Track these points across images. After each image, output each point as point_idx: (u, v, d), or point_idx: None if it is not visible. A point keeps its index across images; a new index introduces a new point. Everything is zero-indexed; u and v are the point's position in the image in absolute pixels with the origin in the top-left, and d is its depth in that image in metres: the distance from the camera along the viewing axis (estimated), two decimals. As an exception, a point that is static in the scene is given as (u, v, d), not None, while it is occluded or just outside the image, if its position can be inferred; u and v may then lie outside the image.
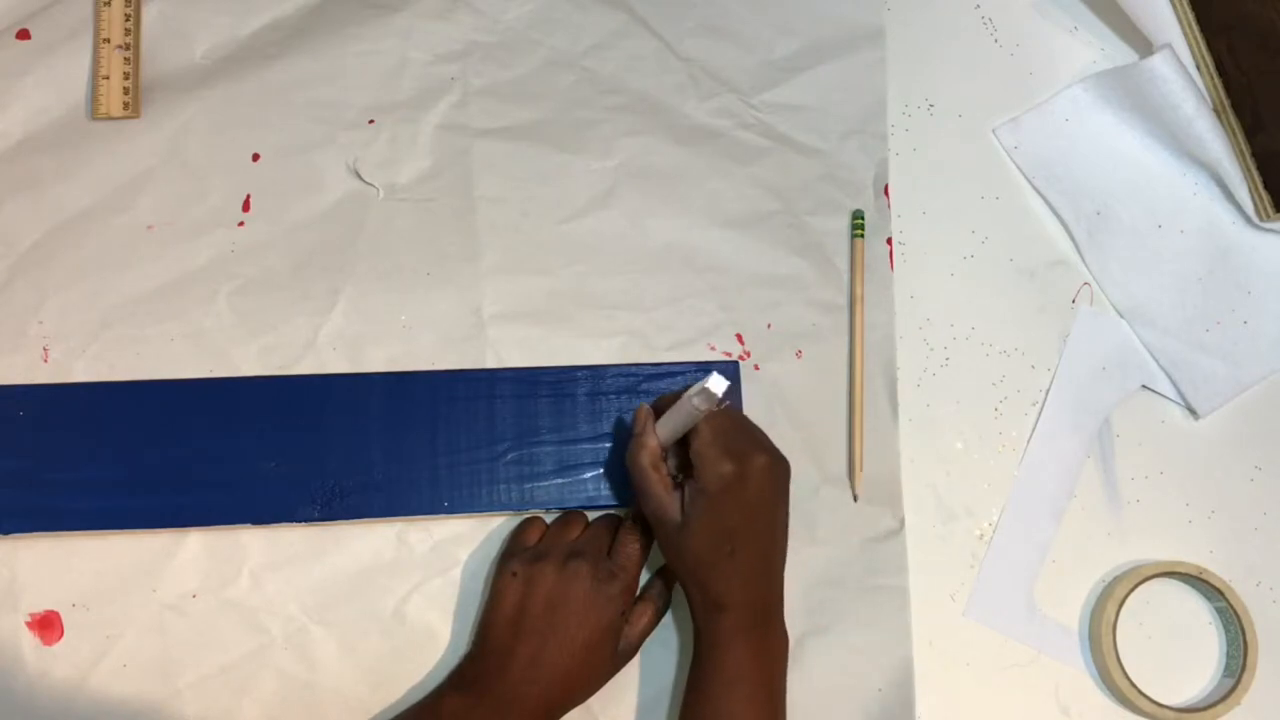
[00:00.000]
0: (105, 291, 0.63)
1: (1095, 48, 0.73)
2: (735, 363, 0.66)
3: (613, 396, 0.64)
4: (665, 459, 0.58)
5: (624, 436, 0.63)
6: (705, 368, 0.65)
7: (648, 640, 0.61)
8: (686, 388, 0.55)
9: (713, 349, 0.66)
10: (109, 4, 0.66)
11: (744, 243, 0.68)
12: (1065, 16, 0.73)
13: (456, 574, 0.62)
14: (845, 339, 0.67)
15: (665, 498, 0.57)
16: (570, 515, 0.62)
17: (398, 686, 0.61)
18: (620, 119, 0.69)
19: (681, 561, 0.57)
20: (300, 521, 0.61)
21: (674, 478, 0.58)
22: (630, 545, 0.59)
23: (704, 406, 0.53)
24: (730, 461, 0.55)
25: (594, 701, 0.59)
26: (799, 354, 0.67)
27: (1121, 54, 0.73)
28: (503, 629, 0.57)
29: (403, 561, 0.62)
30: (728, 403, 0.54)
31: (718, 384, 0.52)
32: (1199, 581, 0.65)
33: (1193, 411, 0.69)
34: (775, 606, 0.58)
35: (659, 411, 0.58)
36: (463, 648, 0.61)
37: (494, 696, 0.56)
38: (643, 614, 0.60)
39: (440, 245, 0.66)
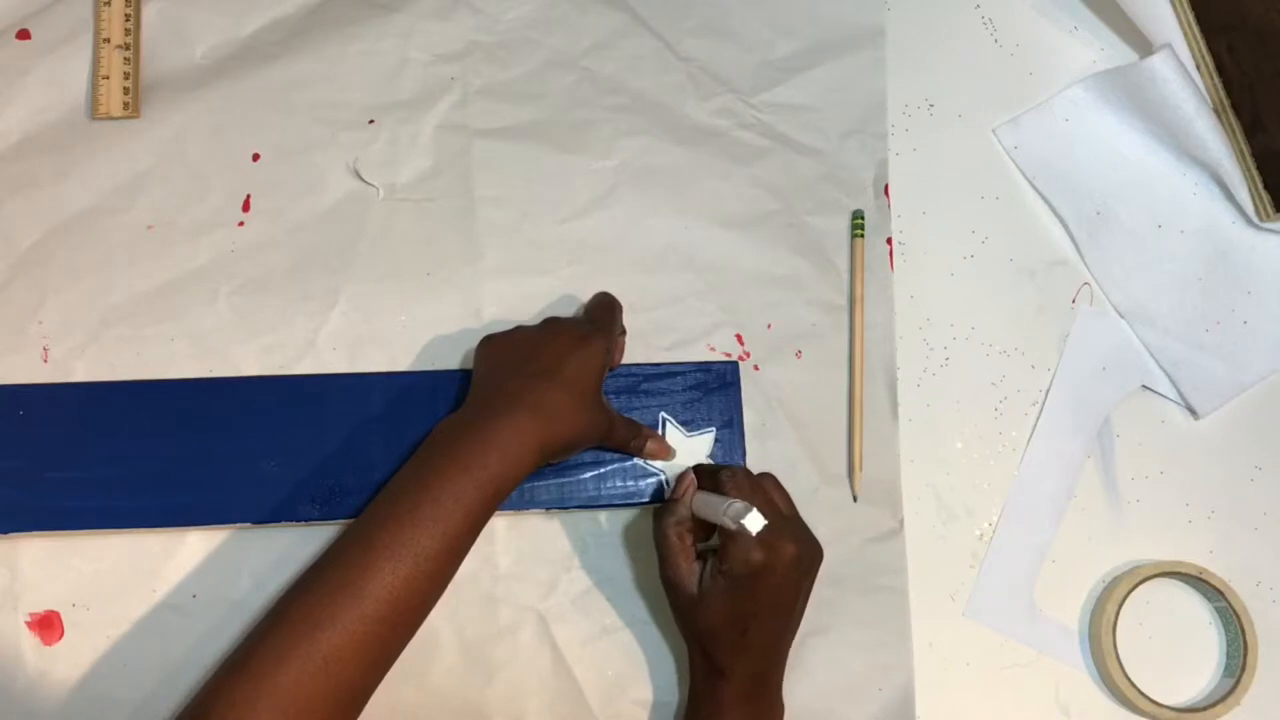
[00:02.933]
0: (105, 291, 0.63)
1: (1095, 48, 0.73)
2: (735, 363, 0.66)
3: (612, 396, 0.64)
4: (690, 529, 0.58)
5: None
6: (705, 368, 0.65)
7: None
8: (729, 472, 0.57)
9: (713, 349, 0.66)
10: (109, 4, 0.66)
11: (744, 243, 0.68)
12: (1065, 16, 0.73)
13: (456, 574, 0.62)
14: (845, 339, 0.67)
15: (685, 568, 0.57)
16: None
17: (398, 686, 0.61)
18: (620, 119, 0.69)
19: (690, 629, 0.58)
20: (300, 521, 0.61)
21: (696, 547, 0.58)
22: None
23: (730, 523, 0.53)
24: (760, 550, 0.54)
25: None
26: (799, 354, 0.67)
27: (1121, 54, 0.73)
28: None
29: (403, 561, 0.62)
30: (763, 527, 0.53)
31: (755, 523, 0.52)
32: (1199, 581, 0.65)
33: (1193, 411, 0.69)
34: (776, 678, 0.58)
35: (700, 477, 0.59)
36: (463, 647, 0.61)
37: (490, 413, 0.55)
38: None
39: (440, 245, 0.66)
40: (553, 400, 0.55)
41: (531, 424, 0.54)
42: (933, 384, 0.68)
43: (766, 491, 0.58)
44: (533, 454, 0.54)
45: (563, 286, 0.66)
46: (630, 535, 0.64)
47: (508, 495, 0.54)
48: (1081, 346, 0.69)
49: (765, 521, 0.52)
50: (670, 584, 0.57)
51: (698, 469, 0.60)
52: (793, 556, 0.55)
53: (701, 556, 0.57)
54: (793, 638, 0.58)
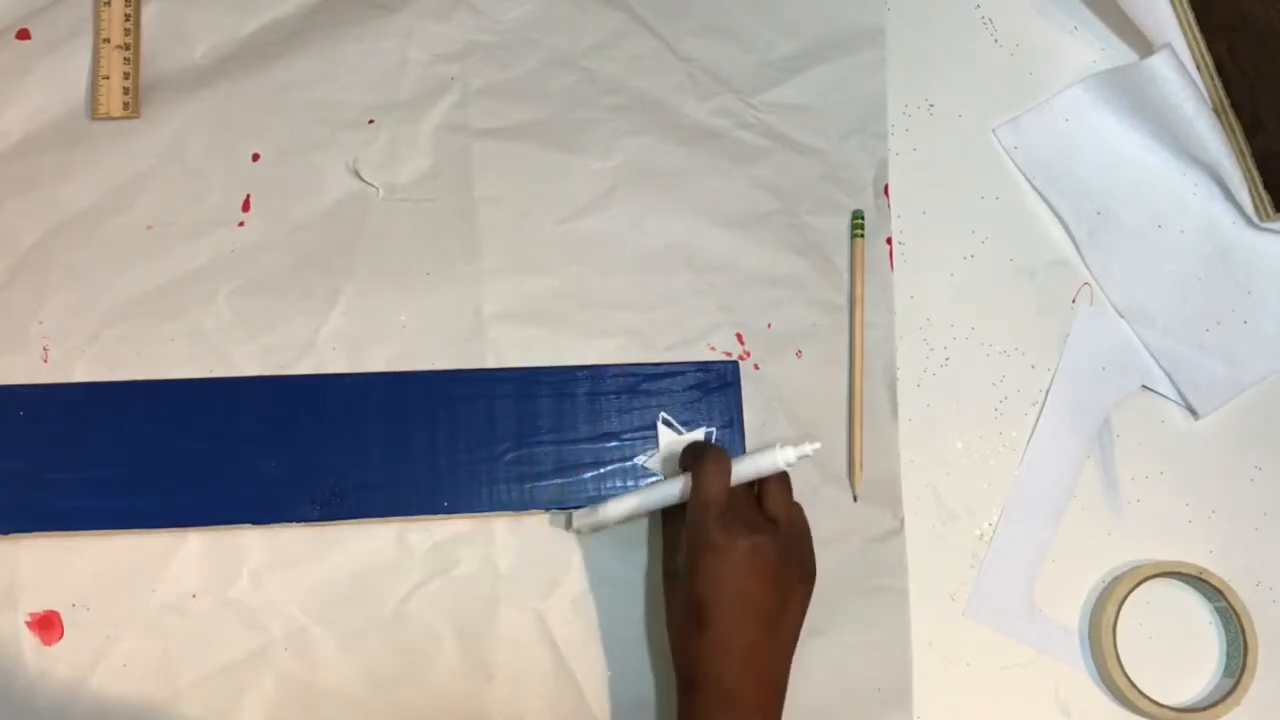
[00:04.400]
0: (105, 291, 0.63)
1: (1095, 48, 0.73)
2: (735, 363, 0.66)
3: (613, 396, 0.64)
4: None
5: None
6: (705, 368, 0.65)
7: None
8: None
9: (713, 349, 0.66)
10: (109, 4, 0.66)
11: (744, 243, 0.68)
12: (1065, 16, 0.73)
13: (456, 574, 0.62)
14: (845, 339, 0.67)
15: (668, 550, 0.58)
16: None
17: (398, 686, 0.61)
18: (620, 119, 0.69)
19: (667, 622, 0.57)
20: (300, 521, 0.61)
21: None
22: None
23: (784, 462, 0.56)
24: (720, 532, 0.53)
25: None
26: (799, 354, 0.67)
27: (1121, 54, 0.73)
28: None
29: (403, 561, 0.62)
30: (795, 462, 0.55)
31: (787, 454, 0.56)
32: (1199, 581, 0.65)
33: (1193, 411, 0.69)
34: (757, 699, 0.53)
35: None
36: (463, 647, 0.61)
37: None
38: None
39: (440, 245, 0.66)
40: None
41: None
42: (933, 384, 0.68)
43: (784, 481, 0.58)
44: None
45: (563, 286, 0.66)
46: (631, 535, 0.64)
47: None
48: (1081, 346, 0.69)
49: (806, 451, 0.53)
50: (667, 577, 0.58)
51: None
52: (754, 545, 0.53)
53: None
54: (780, 656, 0.55)
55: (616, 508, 0.60)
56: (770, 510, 0.58)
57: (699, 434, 0.64)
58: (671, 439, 0.63)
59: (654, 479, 0.62)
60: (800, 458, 0.58)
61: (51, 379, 0.62)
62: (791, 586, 0.56)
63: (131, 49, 0.66)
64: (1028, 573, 0.66)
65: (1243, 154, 0.69)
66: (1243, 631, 0.64)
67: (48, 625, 0.60)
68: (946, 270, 0.70)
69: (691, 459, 0.58)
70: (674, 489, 0.59)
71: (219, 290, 0.64)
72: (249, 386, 0.62)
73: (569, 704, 0.62)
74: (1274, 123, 0.69)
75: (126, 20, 0.66)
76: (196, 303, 0.64)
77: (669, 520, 0.61)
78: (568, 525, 0.62)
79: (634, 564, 0.63)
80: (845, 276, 0.68)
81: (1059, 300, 0.70)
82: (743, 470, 0.58)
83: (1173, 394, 0.69)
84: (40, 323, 0.63)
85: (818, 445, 0.57)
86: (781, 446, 0.58)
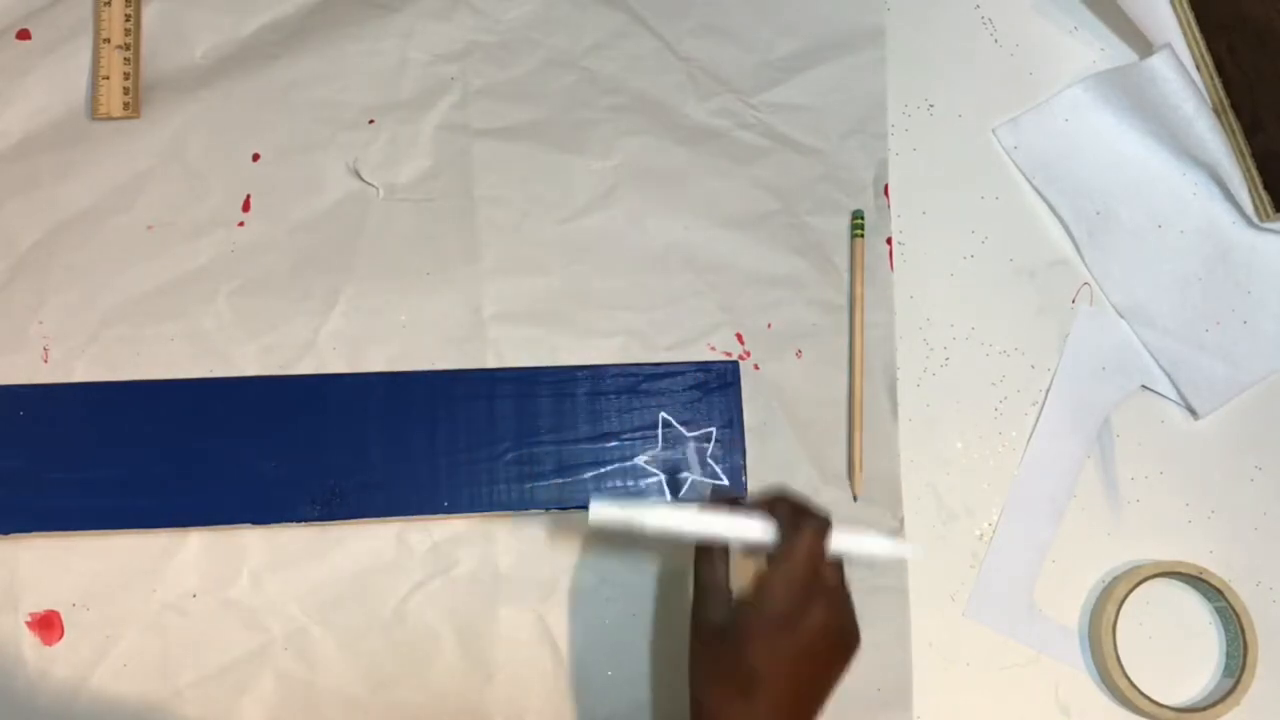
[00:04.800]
0: (105, 291, 0.64)
1: (1095, 48, 0.73)
2: (735, 363, 0.66)
3: (613, 396, 0.64)
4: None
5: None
6: (705, 368, 0.65)
7: None
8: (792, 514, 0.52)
9: (713, 349, 0.66)
10: (109, 4, 0.66)
11: (744, 243, 0.68)
12: (1065, 16, 0.73)
13: (456, 574, 0.62)
14: (845, 339, 0.67)
15: (718, 597, 0.51)
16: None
17: (398, 686, 0.61)
18: (620, 119, 0.69)
19: (695, 670, 0.51)
20: (300, 521, 0.61)
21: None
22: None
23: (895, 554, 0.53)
24: (798, 607, 0.49)
25: None
26: (799, 354, 0.67)
27: (1121, 54, 0.73)
28: None
29: (403, 561, 0.62)
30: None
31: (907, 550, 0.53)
32: (1199, 581, 0.65)
33: (1193, 411, 0.69)
34: None
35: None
36: (463, 647, 0.61)
37: None
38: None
39: (440, 245, 0.66)
40: None
41: None
42: (933, 384, 0.68)
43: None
44: None
45: (563, 286, 0.66)
46: (630, 535, 0.64)
47: None
48: (1081, 346, 0.69)
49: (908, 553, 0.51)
50: (695, 619, 0.52)
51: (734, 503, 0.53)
52: (825, 624, 0.50)
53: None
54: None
55: (654, 519, 0.52)
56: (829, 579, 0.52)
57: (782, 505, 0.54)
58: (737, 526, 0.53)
59: (711, 512, 0.53)
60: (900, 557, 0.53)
61: (51, 379, 0.62)
62: (844, 663, 0.52)
63: (131, 49, 0.66)
64: (1028, 573, 0.66)
65: (1243, 154, 0.69)
66: (1243, 631, 0.64)
67: (48, 625, 0.60)
68: (946, 270, 0.70)
69: (790, 515, 0.52)
70: (738, 531, 0.52)
71: (219, 290, 0.64)
72: (249, 386, 0.62)
73: (569, 704, 0.62)
74: (1274, 123, 0.69)
75: (126, 20, 0.66)
76: (196, 303, 0.64)
77: (707, 562, 0.53)
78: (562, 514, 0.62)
79: (634, 565, 0.63)
80: (845, 276, 0.68)
81: (1059, 300, 0.70)
82: (841, 544, 0.52)
83: (1173, 394, 0.69)
84: (40, 323, 0.63)
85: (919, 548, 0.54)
86: (896, 540, 0.53)
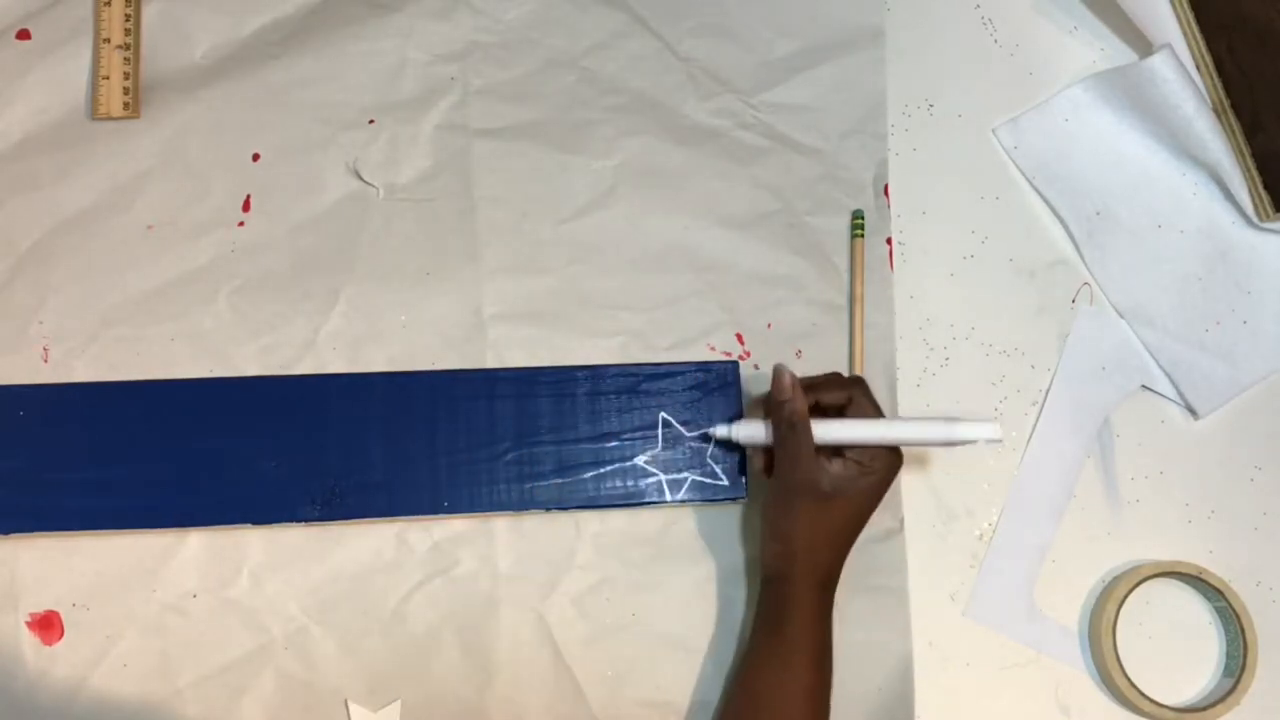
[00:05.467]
0: (105, 291, 0.64)
1: (1095, 48, 0.73)
2: (735, 363, 0.66)
3: (613, 396, 0.64)
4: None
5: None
6: (705, 368, 0.65)
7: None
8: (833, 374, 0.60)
9: (713, 349, 0.66)
10: (109, 4, 0.66)
11: (744, 243, 0.68)
12: (1065, 16, 0.73)
13: (456, 574, 0.62)
14: (845, 339, 0.67)
15: (817, 463, 0.57)
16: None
17: (398, 686, 0.61)
18: (620, 119, 0.69)
19: (808, 532, 0.58)
20: (300, 521, 0.61)
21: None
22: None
23: (961, 439, 0.57)
24: (894, 455, 0.58)
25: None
26: (799, 354, 0.67)
27: (1121, 54, 0.73)
28: None
29: (403, 561, 0.62)
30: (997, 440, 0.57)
31: (995, 432, 0.55)
32: (1199, 581, 0.65)
33: (1192, 411, 0.69)
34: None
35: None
36: (463, 647, 0.61)
37: None
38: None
39: (440, 245, 0.66)
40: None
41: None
42: (933, 384, 0.68)
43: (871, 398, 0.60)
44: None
45: (563, 286, 0.66)
46: (631, 535, 0.64)
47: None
48: (1081, 346, 0.69)
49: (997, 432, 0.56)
50: (799, 486, 0.57)
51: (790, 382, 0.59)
52: (899, 462, 0.59)
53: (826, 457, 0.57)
54: None
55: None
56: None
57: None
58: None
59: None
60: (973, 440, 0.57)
61: (51, 379, 0.62)
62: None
63: (131, 49, 0.66)
64: (1028, 573, 0.66)
65: (1242, 154, 0.69)
66: (1243, 631, 0.64)
67: (48, 625, 0.60)
68: (946, 270, 0.70)
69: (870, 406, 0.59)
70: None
71: (219, 290, 0.64)
72: (249, 386, 0.62)
73: (569, 704, 0.62)
74: (1274, 123, 0.69)
75: (126, 20, 0.66)
76: (196, 303, 0.64)
77: (801, 434, 0.58)
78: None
79: (634, 564, 0.63)
80: (845, 276, 0.68)
81: (1059, 300, 0.70)
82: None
83: (1173, 394, 0.69)
84: (40, 323, 0.63)
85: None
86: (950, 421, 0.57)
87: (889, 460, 0.58)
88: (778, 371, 0.58)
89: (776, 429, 0.58)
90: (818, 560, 0.58)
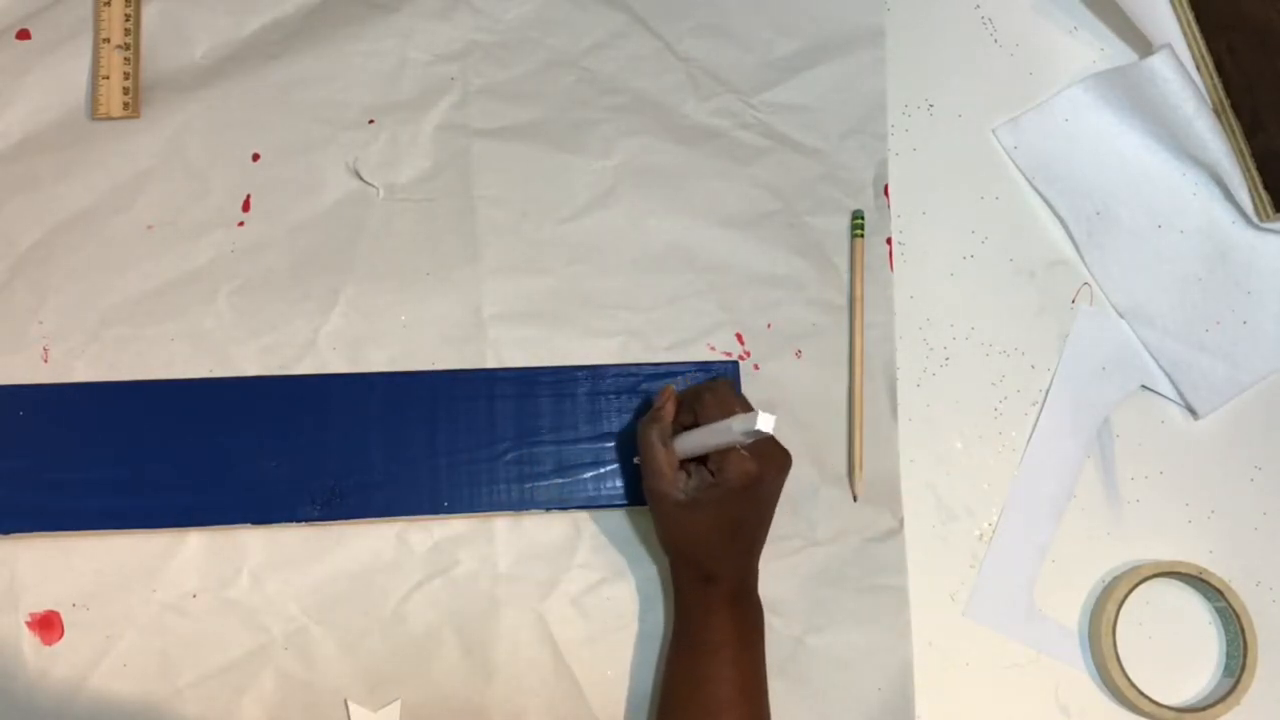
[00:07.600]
0: (105, 291, 0.64)
1: (1095, 48, 0.73)
2: (735, 363, 0.66)
3: (613, 396, 0.64)
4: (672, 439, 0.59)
5: (630, 434, 0.63)
6: (705, 368, 0.65)
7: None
8: (711, 379, 0.59)
9: (713, 349, 0.66)
10: (109, 4, 0.66)
11: (744, 243, 0.68)
12: (1065, 16, 0.73)
13: (456, 574, 0.62)
14: (845, 339, 0.67)
15: (670, 475, 0.58)
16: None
17: (398, 686, 0.61)
18: (620, 119, 0.69)
19: (677, 537, 0.59)
20: (300, 521, 0.61)
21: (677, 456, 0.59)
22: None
23: (743, 439, 0.54)
24: (755, 461, 0.56)
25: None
26: (799, 354, 0.67)
27: (1121, 54, 0.73)
28: None
29: (403, 561, 0.62)
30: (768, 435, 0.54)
31: (766, 422, 0.52)
32: (1199, 581, 0.65)
33: (1192, 411, 0.69)
34: (755, 579, 0.60)
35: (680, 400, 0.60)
36: (463, 647, 0.61)
37: None
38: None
39: (440, 245, 0.66)
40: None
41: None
42: (933, 384, 0.68)
43: (744, 401, 0.60)
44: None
45: (563, 286, 0.66)
46: (630, 535, 0.64)
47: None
48: (1081, 346, 0.69)
49: (774, 417, 0.52)
50: (656, 492, 0.58)
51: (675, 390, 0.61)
52: (781, 467, 0.58)
53: (683, 466, 0.58)
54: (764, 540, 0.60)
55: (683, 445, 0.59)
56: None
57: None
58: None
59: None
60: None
61: (51, 379, 0.62)
62: (784, 479, 0.60)
63: (131, 49, 0.66)
64: (1028, 573, 0.66)
65: (1243, 154, 0.69)
66: (1242, 631, 0.64)
67: (48, 625, 0.60)
68: (946, 270, 0.70)
69: (741, 406, 0.59)
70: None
71: (219, 290, 0.64)
72: (249, 386, 0.62)
73: (569, 704, 0.62)
74: (1274, 123, 0.69)
75: (126, 20, 0.66)
76: (196, 303, 0.64)
77: (657, 445, 0.59)
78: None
79: (635, 565, 0.63)
80: (845, 276, 0.68)
81: (1059, 300, 0.70)
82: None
83: (1173, 394, 0.69)
84: (40, 323, 0.63)
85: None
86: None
87: (741, 469, 0.55)
88: (662, 390, 0.61)
89: (641, 441, 0.60)
90: (698, 562, 0.58)
